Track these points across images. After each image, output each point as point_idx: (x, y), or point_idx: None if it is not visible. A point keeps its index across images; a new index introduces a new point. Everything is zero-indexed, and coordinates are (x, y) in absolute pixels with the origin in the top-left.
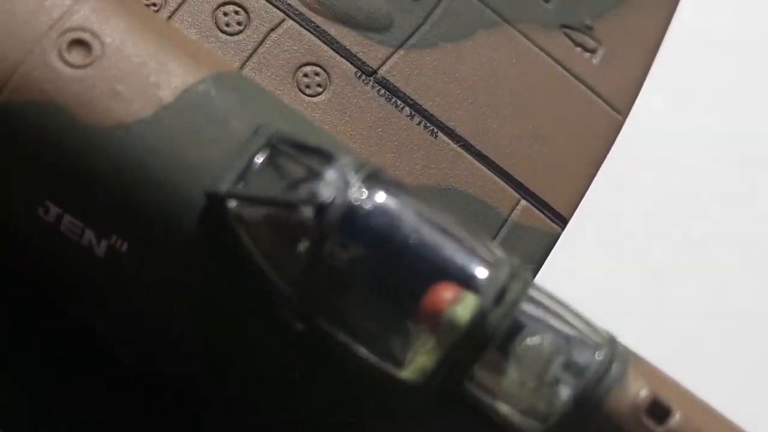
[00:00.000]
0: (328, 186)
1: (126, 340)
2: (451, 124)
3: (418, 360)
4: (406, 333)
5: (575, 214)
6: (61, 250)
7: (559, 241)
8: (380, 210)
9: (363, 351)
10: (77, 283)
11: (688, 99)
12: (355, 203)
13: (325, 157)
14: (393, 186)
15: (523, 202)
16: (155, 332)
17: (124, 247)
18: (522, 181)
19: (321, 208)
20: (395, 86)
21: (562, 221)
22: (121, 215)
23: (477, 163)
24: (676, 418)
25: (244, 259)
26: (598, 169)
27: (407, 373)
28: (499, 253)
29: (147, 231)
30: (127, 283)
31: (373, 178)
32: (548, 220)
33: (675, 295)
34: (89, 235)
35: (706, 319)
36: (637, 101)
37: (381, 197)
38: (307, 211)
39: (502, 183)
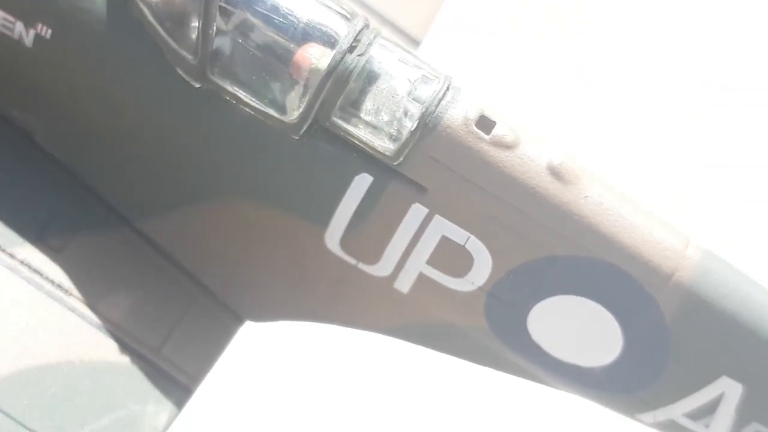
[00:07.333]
0: None
1: (54, 133)
2: None
3: (295, 105)
4: (284, 85)
5: (426, 37)
6: None
7: None
8: None
9: (251, 100)
10: (11, 78)
11: None
12: None
13: None
14: None
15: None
16: (76, 114)
17: (48, 33)
18: (377, 10)
19: None
20: None
21: (416, 44)
22: (44, 3)
23: None
24: (500, 128)
25: (147, 33)
26: None
27: (287, 117)
28: (355, 11)
29: (65, 15)
30: (52, 66)
31: None
32: (404, 43)
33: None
34: (19, 27)
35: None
36: None
37: None
38: None
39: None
